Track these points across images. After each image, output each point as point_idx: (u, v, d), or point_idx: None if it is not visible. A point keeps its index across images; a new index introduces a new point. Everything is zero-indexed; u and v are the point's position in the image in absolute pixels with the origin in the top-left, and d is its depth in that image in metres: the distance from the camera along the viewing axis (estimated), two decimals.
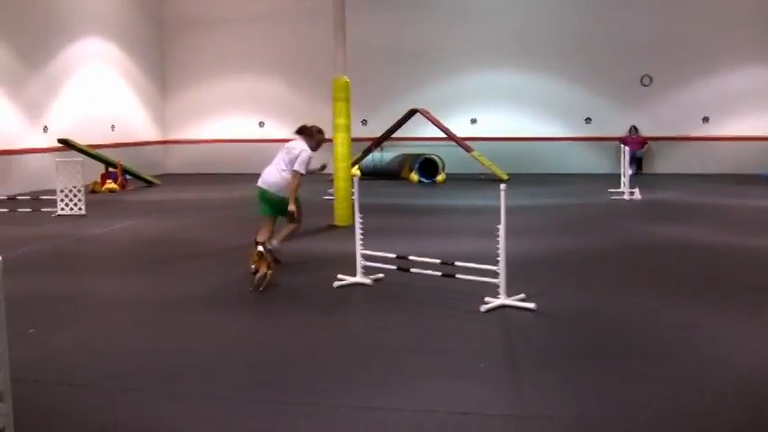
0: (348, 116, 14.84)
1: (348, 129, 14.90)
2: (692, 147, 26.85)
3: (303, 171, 10.93)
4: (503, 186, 8.26)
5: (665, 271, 10.61)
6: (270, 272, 9.41)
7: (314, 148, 11.35)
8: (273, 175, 11.04)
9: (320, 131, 11.59)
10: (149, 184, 24.34)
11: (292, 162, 10.95)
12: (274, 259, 10.21)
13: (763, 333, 7.36)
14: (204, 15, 29.26)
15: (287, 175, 10.90)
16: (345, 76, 14.74)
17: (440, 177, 24.11)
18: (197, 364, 6.65)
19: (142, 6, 28.61)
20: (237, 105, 29.46)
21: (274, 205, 11.02)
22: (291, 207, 10.80)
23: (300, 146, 11.17)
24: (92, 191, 21.88)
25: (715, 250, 12.03)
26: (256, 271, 9.47)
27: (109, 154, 23.89)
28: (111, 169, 23.16)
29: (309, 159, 11.08)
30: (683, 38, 26.51)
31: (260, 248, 9.61)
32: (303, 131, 11.48)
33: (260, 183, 11.11)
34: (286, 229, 11.14)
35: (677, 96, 26.87)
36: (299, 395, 5.84)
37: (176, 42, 29.79)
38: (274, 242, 10.85)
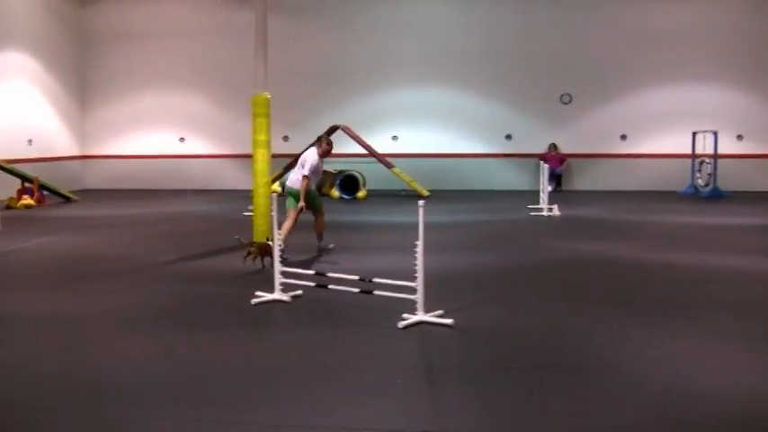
0: (268, 132, 14.75)
1: (268, 145, 14.80)
2: (611, 164, 27.27)
3: (307, 173, 12.84)
4: (421, 203, 8.28)
5: (584, 287, 10.73)
6: (253, 255, 11.60)
7: (320, 155, 13.12)
8: (292, 177, 13.30)
9: (329, 143, 13.32)
10: (67, 199, 23.93)
11: (302, 166, 12.95)
12: (320, 249, 13.47)
13: (678, 347, 7.48)
14: (125, 29, 28.94)
15: (299, 177, 12.97)
16: (266, 92, 14.67)
17: (361, 194, 24.14)
18: (112, 382, 6.54)
19: (62, 20, 28.17)
20: (158, 120, 29.15)
21: (295, 198, 13.11)
22: (301, 204, 12.84)
23: (310, 153, 13.10)
24: (7, 206, 21.48)
25: (633, 266, 12.20)
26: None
27: (26, 169, 23.43)
28: (27, 184, 22.71)
29: (315, 164, 12.97)
30: (602, 57, 26.97)
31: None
32: (317, 141, 13.51)
33: (288, 184, 13.38)
34: (288, 222, 12.97)
35: (596, 114, 27.30)
36: (215, 413, 5.77)
37: (97, 56, 29.39)
38: (282, 232, 12.08)
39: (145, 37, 28.84)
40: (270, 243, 11.30)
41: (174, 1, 28.73)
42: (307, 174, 12.82)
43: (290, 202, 13.23)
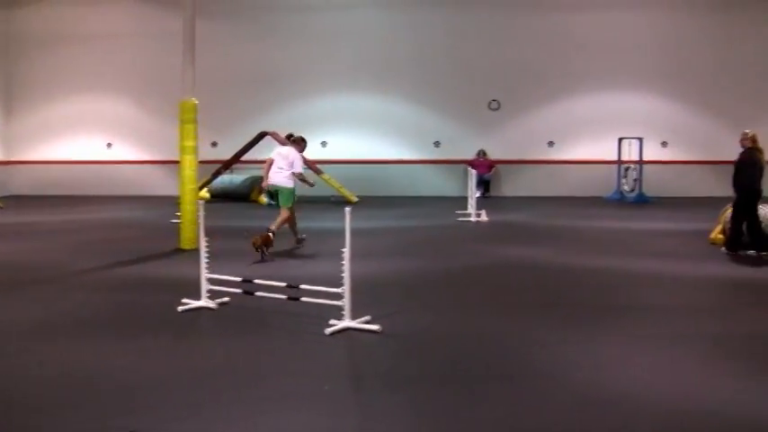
0: (195, 138, 14.69)
1: (196, 151, 14.74)
2: (538, 170, 27.52)
3: (301, 169, 14.51)
4: (347, 209, 8.29)
5: (511, 292, 10.83)
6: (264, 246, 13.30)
7: (301, 151, 14.73)
8: (278, 176, 14.41)
9: (303, 140, 15.03)
10: None
11: (290, 164, 14.35)
12: (297, 240, 15.13)
13: (602, 350, 7.60)
14: (52, 33, 28.49)
15: (287, 173, 14.34)
16: (194, 98, 14.59)
17: None
18: (34, 391, 6.45)
19: None
20: (85, 125, 28.70)
21: (285, 195, 14.50)
22: (311, 182, 14.89)
23: (293, 152, 14.55)
24: None
25: (559, 271, 12.35)
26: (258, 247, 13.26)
27: None
28: None
29: (303, 159, 14.72)
30: (531, 64, 27.22)
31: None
32: (292, 141, 15.06)
33: (271, 183, 14.58)
34: (280, 218, 14.52)
35: (524, 121, 27.54)
36: (141, 422, 5.72)
37: (22, 60, 28.88)
38: (272, 227, 14.14)
39: (72, 41, 28.42)
40: (270, 234, 13.55)
41: (102, 5, 28.36)
42: (301, 170, 14.55)
43: (283, 200, 14.63)
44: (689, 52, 26.95)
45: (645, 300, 10.27)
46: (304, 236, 15.33)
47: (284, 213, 14.55)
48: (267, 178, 14.52)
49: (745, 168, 13.58)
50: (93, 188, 28.05)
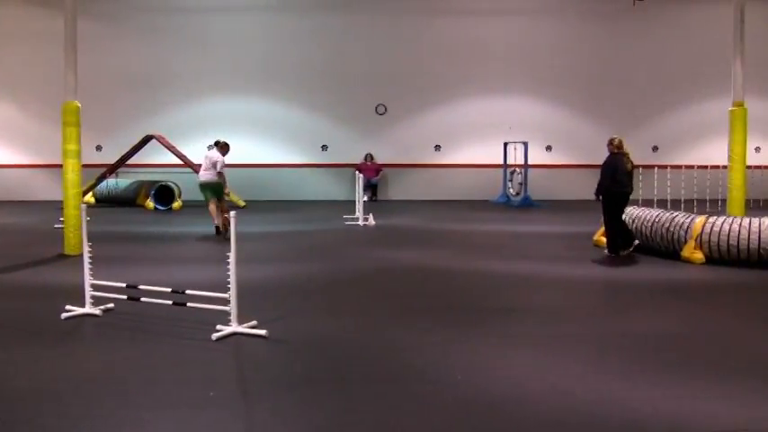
0: (78, 141, 14.43)
1: (79, 155, 14.48)
2: (425, 174, 27.83)
3: (221, 170, 17.10)
4: (233, 213, 8.25)
5: (397, 295, 10.89)
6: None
7: (224, 155, 17.46)
8: (206, 174, 17.25)
9: (226, 144, 17.82)
10: None
11: (214, 165, 17.13)
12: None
13: (488, 352, 7.69)
14: None
15: (213, 172, 17.13)
16: (76, 101, 14.34)
17: (176, 204, 23.84)
18: None
19: None
20: None
21: (211, 189, 17.21)
22: (227, 190, 17.53)
23: (217, 154, 17.36)
24: None
25: (444, 273, 12.48)
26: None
27: None
28: None
29: (223, 162, 17.25)
30: (417, 69, 27.53)
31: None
32: (216, 145, 17.78)
33: (201, 179, 17.36)
34: (218, 209, 17.19)
35: (411, 125, 27.82)
36: None
37: None
38: (216, 222, 17.12)
39: None
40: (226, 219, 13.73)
41: None
42: (222, 170, 17.12)
43: (207, 194, 17.27)
44: (574, 59, 27.60)
45: (528, 302, 10.45)
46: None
47: (213, 205, 17.23)
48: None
49: (606, 172, 14.10)
50: None
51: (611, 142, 14.37)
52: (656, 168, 18.79)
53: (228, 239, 8.48)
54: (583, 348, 7.91)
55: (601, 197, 14.11)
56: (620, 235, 14.19)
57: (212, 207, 17.20)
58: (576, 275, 12.35)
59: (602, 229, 15.30)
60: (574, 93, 27.77)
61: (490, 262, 13.55)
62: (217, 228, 17.04)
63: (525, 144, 25.30)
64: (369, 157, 27.43)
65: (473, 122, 27.69)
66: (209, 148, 19.21)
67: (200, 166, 23.44)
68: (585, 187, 26.22)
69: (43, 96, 26.21)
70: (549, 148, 27.79)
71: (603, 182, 14.02)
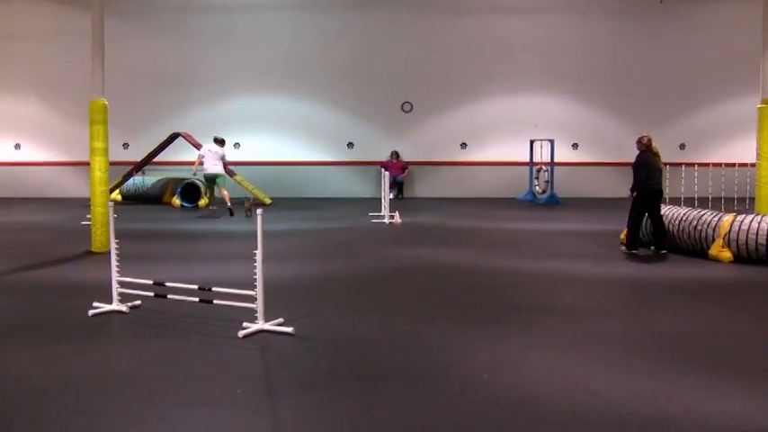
0: (106, 139, 14.50)
1: (106, 152, 14.54)
2: (451, 171, 27.76)
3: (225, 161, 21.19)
4: (259, 211, 8.26)
5: (423, 293, 10.88)
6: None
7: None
8: (212, 167, 20.88)
9: (224, 140, 21.54)
10: None
11: (220, 159, 20.99)
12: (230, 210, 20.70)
13: (514, 351, 7.67)
14: None
15: (219, 164, 20.97)
16: (103, 99, 14.40)
17: (202, 202, 23.90)
18: None
19: None
20: None
21: (221, 179, 21.33)
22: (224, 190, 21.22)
23: (220, 149, 21.03)
24: None
25: (471, 272, 12.45)
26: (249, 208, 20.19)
27: None
28: None
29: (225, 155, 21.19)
30: (443, 66, 27.45)
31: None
32: (216, 141, 21.21)
33: (211, 171, 21.03)
34: (225, 196, 21.04)
35: (436, 123, 27.76)
36: (50, 430, 5.64)
37: None
38: (229, 204, 20.82)
39: None
40: (246, 203, 20.74)
41: (9, 3, 27.84)
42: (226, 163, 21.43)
43: (217, 183, 21.32)
44: (600, 56, 27.46)
45: (554, 300, 10.42)
46: (214, 208, 21.29)
47: (225, 191, 21.09)
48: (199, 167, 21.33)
49: (639, 170, 14.11)
50: (0, 190, 27.49)
51: (639, 141, 14.41)
52: (683, 166, 18.65)
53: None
54: (608, 347, 7.88)
55: (635, 194, 14.08)
56: (660, 233, 14.19)
57: (225, 193, 21.05)
58: (602, 274, 12.31)
59: None
60: (600, 90, 27.63)
61: (516, 260, 13.51)
62: (230, 209, 20.68)
63: (551, 142, 25.20)
64: (394, 154, 27.39)
65: (499, 120, 27.61)
66: (215, 141, 21.33)
67: (227, 164, 23.69)
68: (612, 185, 26.26)
69: (70, 94, 26.33)
70: (575, 145, 27.67)
71: (638, 179, 14.01)
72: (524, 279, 11.88)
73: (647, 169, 13.97)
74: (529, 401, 6.21)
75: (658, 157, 14.26)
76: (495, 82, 27.49)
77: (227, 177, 22.14)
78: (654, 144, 14.36)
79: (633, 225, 14.22)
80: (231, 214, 20.57)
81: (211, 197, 21.75)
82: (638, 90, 27.63)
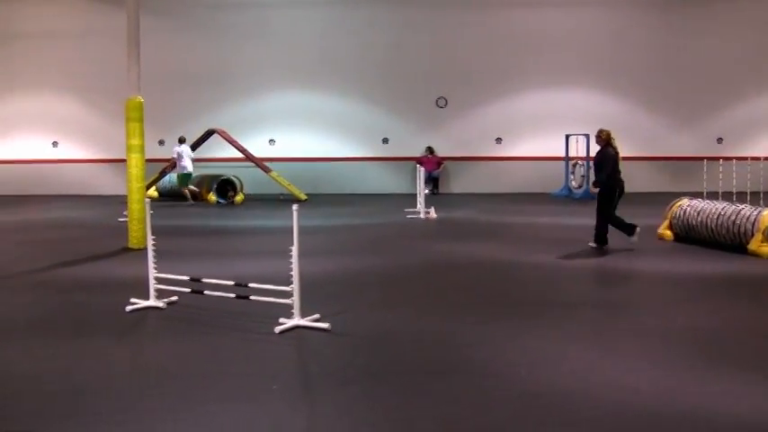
0: (142, 137, 14.57)
1: (142, 149, 14.62)
2: (486, 167, 27.68)
3: None
4: (295, 207, 8.26)
5: (459, 289, 10.86)
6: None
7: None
8: (191, 165, 23.41)
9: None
10: None
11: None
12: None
13: (549, 346, 7.64)
14: None
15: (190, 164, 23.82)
16: (139, 96, 14.47)
17: (238, 198, 23.99)
18: None
19: None
20: (29, 124, 28.41)
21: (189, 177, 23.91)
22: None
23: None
24: None
25: (506, 267, 12.41)
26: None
27: None
28: None
29: None
30: (477, 61, 27.35)
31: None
32: (183, 142, 23.45)
33: (189, 170, 23.66)
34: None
35: (471, 118, 27.68)
36: (88, 425, 5.67)
37: None
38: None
39: (15, 38, 28.10)
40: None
41: (46, 2, 28.07)
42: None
43: (183, 180, 23.72)
44: (635, 50, 27.27)
45: (590, 295, 10.40)
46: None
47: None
48: (182, 168, 23.70)
49: (604, 165, 13.99)
50: (38, 188, 27.74)
51: (599, 135, 14.35)
52: (720, 160, 18.44)
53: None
54: (646, 343, 7.83)
55: (599, 191, 14.04)
56: (622, 226, 14.18)
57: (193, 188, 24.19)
58: (638, 269, 12.24)
59: (666, 222, 15.16)
60: (635, 84, 27.42)
61: (551, 255, 13.43)
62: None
63: (587, 136, 25.04)
64: (429, 150, 27.36)
65: (534, 115, 27.48)
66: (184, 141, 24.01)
67: (262, 161, 23.77)
68: (646, 179, 26.13)
69: (107, 92, 26.48)
70: None
71: (604, 175, 13.89)
72: (561, 274, 11.82)
73: (611, 165, 13.88)
74: (565, 398, 6.17)
75: (617, 152, 14.19)
76: (531, 76, 27.37)
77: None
78: (613, 139, 14.28)
79: (608, 220, 14.11)
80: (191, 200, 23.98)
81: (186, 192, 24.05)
82: (674, 84, 27.40)
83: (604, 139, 14.17)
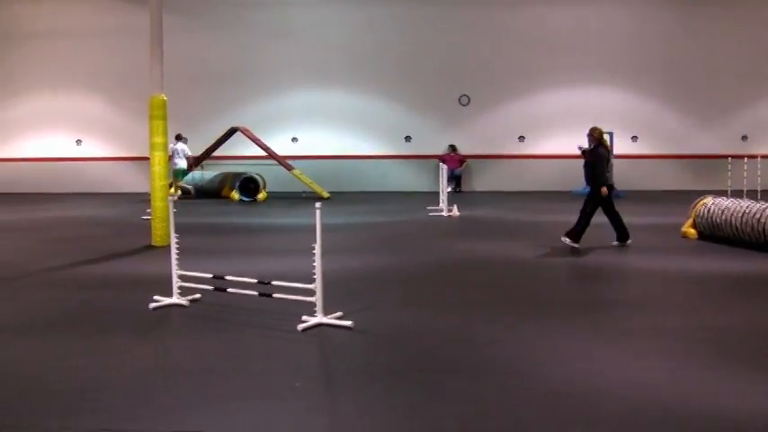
0: (165, 134, 14.61)
1: (165, 147, 14.67)
2: (509, 165, 27.63)
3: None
4: (318, 204, 8.26)
5: (482, 287, 10.83)
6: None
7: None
8: (180, 162, 23.67)
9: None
10: None
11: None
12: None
13: (573, 345, 7.61)
14: (18, 30, 28.30)
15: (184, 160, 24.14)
16: (162, 94, 14.51)
17: (261, 196, 24.03)
18: (2, 392, 6.37)
19: None
20: (53, 123, 28.54)
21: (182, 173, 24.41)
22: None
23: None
24: None
25: (529, 266, 12.37)
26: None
27: None
28: None
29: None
30: (500, 59, 27.31)
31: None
32: (181, 138, 24.00)
33: (183, 166, 24.01)
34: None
35: (494, 116, 27.63)
36: (109, 422, 5.68)
37: None
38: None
39: (39, 37, 28.23)
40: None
41: (69, 1, 28.20)
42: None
43: (178, 176, 23.93)
44: (659, 48, 27.14)
45: (613, 294, 10.33)
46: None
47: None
48: (174, 164, 23.12)
49: (598, 165, 13.91)
50: (62, 185, 27.89)
51: (591, 134, 14.29)
52: (745, 158, 18.39)
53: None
54: (670, 341, 7.78)
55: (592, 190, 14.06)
56: (621, 226, 14.25)
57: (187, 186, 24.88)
58: (662, 267, 12.16)
59: (690, 220, 15.08)
60: (659, 82, 27.30)
61: (574, 254, 13.39)
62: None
63: (610, 134, 24.92)
64: (452, 148, 27.32)
65: (557, 113, 27.39)
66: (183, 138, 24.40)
67: (285, 159, 23.81)
68: (670, 178, 26.06)
69: (130, 90, 26.60)
70: (634, 138, 27.38)
71: (598, 174, 13.88)
72: (584, 272, 11.80)
73: (602, 165, 13.87)
74: (589, 396, 6.15)
75: (608, 149, 14.21)
76: (554, 74, 27.28)
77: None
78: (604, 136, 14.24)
79: (584, 218, 14.08)
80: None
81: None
82: (698, 81, 27.25)
83: (596, 138, 14.11)
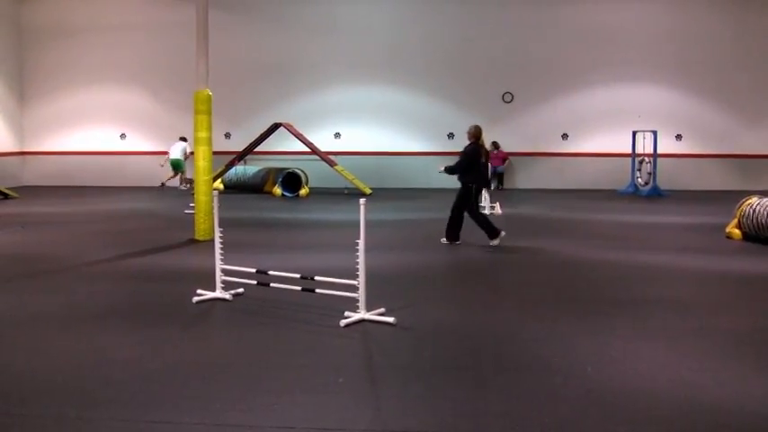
0: (210, 129, 14.68)
1: (210, 142, 14.74)
2: (552, 162, 27.50)
3: None
4: (362, 201, 8.27)
5: (524, 285, 10.80)
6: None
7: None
8: (178, 153, 25.38)
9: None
10: (5, 196, 23.47)
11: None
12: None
13: (617, 345, 7.56)
14: (65, 24, 28.54)
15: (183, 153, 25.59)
16: (207, 89, 14.58)
17: (303, 191, 24.09)
18: (51, 383, 6.43)
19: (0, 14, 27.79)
20: (98, 116, 28.76)
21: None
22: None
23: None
24: None
25: (572, 264, 12.31)
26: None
27: None
28: None
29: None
30: (544, 56, 27.18)
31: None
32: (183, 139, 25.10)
33: (175, 157, 25.51)
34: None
35: (537, 113, 27.51)
36: (156, 413, 5.72)
37: (36, 51, 28.93)
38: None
39: (85, 32, 28.47)
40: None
41: None
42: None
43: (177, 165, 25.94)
44: (704, 45, 26.87)
45: (657, 294, 10.23)
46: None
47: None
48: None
49: (471, 162, 14.01)
50: (106, 179, 28.11)
51: (469, 131, 14.29)
52: None
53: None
54: (715, 342, 7.70)
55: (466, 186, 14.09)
56: (485, 226, 14.18)
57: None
58: (707, 267, 12.07)
59: (735, 220, 14.93)
60: (704, 80, 27.04)
61: (618, 252, 13.31)
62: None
63: (654, 133, 24.79)
64: (495, 145, 27.23)
65: (601, 110, 27.23)
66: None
67: (328, 154, 23.88)
68: (715, 177, 25.85)
69: (175, 85, 26.79)
70: (678, 137, 27.14)
71: (471, 171, 14.02)
72: (627, 271, 11.69)
73: (478, 162, 13.93)
74: (632, 396, 6.11)
75: (485, 149, 14.25)
76: (597, 71, 27.11)
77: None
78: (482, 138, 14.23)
79: (456, 216, 14.22)
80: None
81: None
82: (744, 80, 26.95)
83: (475, 135, 14.13)
